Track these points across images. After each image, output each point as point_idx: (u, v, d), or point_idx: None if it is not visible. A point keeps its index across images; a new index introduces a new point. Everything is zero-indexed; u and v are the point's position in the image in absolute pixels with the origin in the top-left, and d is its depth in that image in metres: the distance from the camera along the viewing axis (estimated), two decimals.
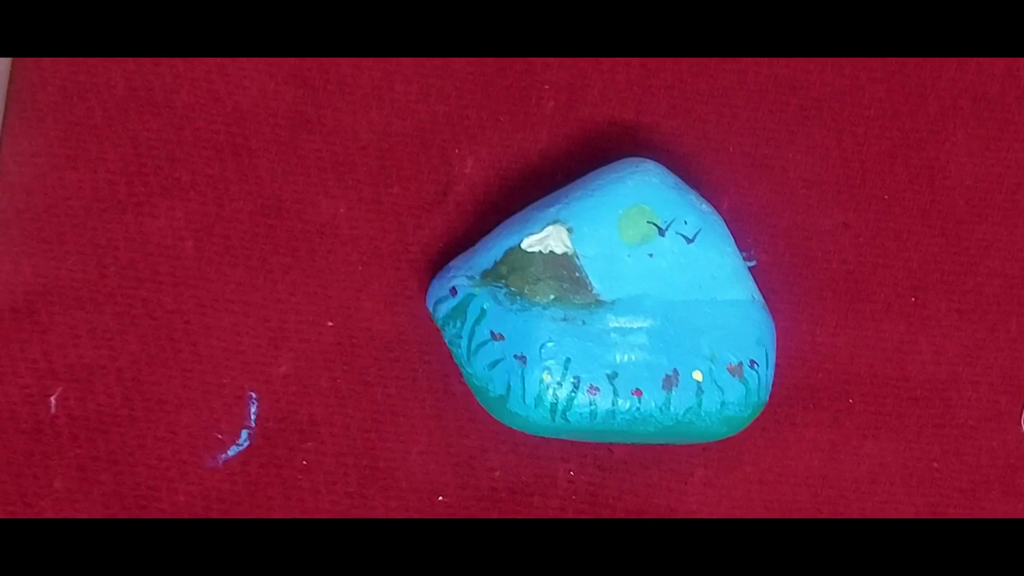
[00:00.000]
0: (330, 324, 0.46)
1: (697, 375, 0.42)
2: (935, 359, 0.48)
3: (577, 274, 0.42)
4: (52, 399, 0.45)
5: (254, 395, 0.45)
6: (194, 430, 0.45)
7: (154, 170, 0.46)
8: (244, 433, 0.45)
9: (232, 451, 0.45)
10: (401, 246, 0.46)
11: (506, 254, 0.43)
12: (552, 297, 0.42)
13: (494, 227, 0.45)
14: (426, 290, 0.45)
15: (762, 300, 0.44)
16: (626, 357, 0.42)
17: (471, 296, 0.43)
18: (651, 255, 0.43)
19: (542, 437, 0.45)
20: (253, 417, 0.45)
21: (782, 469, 0.46)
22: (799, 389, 0.47)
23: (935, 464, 0.47)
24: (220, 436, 0.45)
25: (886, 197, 0.48)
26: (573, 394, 0.42)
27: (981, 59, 0.47)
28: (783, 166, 0.48)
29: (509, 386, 0.42)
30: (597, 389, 0.42)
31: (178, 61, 0.46)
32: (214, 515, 0.45)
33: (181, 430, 0.45)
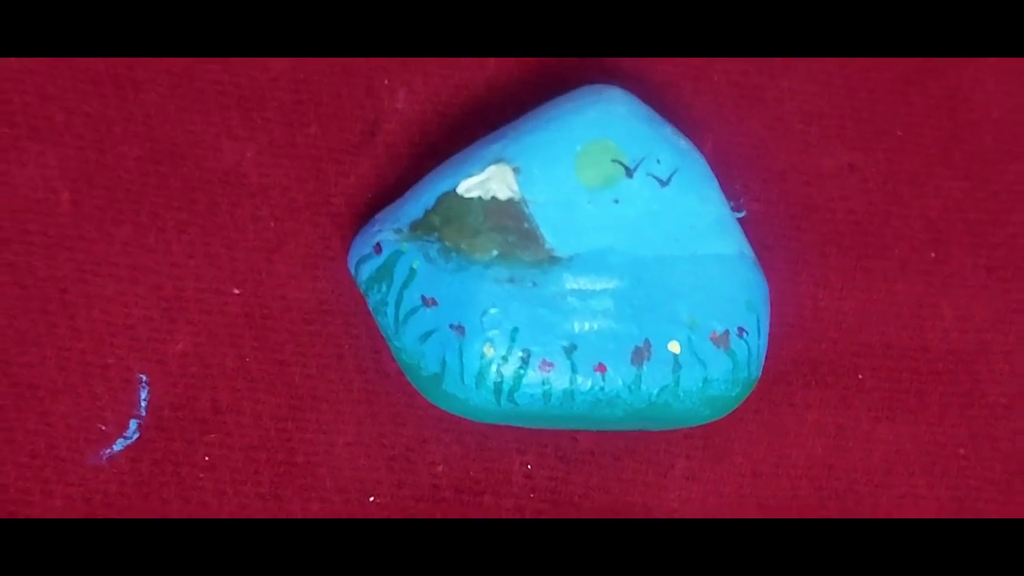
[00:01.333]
0: (236, 292, 0.43)
1: (674, 346, 0.40)
2: (960, 325, 0.45)
3: (526, 224, 0.40)
4: None
5: (145, 378, 0.43)
6: (73, 421, 0.42)
7: (21, 108, 0.43)
8: (133, 423, 0.42)
9: (119, 445, 0.42)
10: (321, 197, 0.44)
11: (438, 201, 0.40)
12: (495, 253, 0.40)
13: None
14: None
15: (753, 255, 0.42)
16: (587, 326, 0.40)
17: (398, 253, 0.41)
18: (617, 201, 0.40)
19: (492, 424, 0.42)
20: (144, 404, 0.42)
21: (779, 459, 0.44)
22: (798, 363, 0.44)
23: (962, 450, 0.44)
24: (104, 427, 0.42)
25: (899, 133, 0.46)
26: (522, 371, 0.39)
27: None
28: (777, 97, 0.45)
29: (444, 362, 0.40)
30: (551, 365, 0.39)
31: None
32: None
33: (57, 421, 0.42)
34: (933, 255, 0.45)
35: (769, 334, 0.42)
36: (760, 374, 0.42)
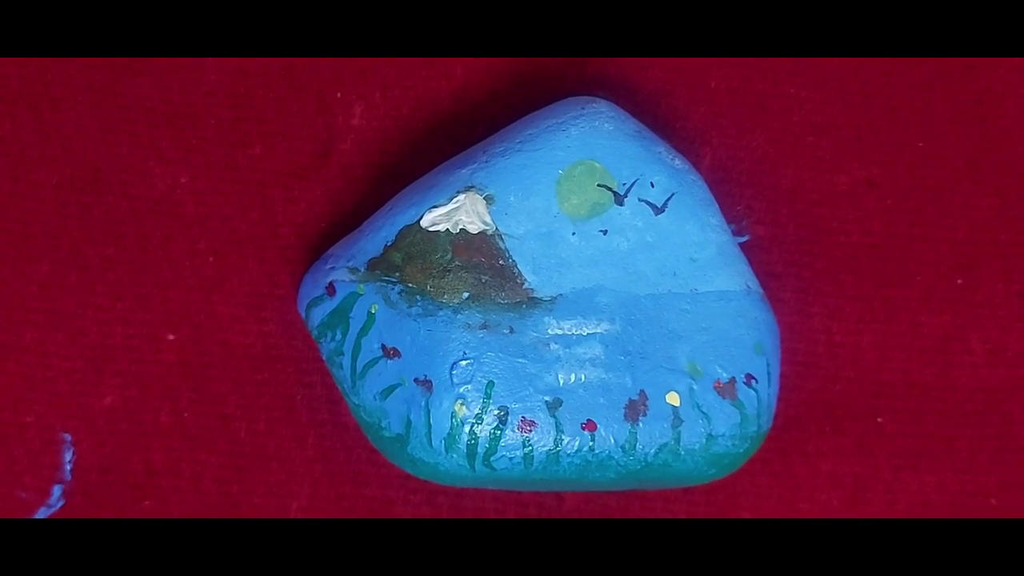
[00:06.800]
0: (171, 337, 0.43)
1: (673, 398, 0.40)
2: (991, 360, 0.44)
3: (500, 262, 0.40)
4: None
5: (69, 437, 0.42)
6: None
7: None
8: (57, 489, 0.42)
9: (41, 514, 0.42)
10: (267, 228, 0.43)
11: (400, 235, 0.40)
12: (466, 295, 0.40)
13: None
14: None
15: (760, 290, 0.41)
16: (573, 377, 0.40)
17: (354, 296, 0.40)
18: (605, 232, 0.40)
19: None
20: (68, 467, 0.42)
21: (791, 514, 0.44)
22: (811, 406, 0.44)
23: (993, 501, 0.44)
24: (23, 495, 0.42)
25: (922, 144, 0.45)
26: (499, 432, 0.39)
27: None
28: (784, 106, 0.45)
29: (409, 422, 0.39)
30: (533, 424, 0.39)
31: None
32: None
33: None
34: (960, 282, 0.45)
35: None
36: (771, 426, 0.41)
